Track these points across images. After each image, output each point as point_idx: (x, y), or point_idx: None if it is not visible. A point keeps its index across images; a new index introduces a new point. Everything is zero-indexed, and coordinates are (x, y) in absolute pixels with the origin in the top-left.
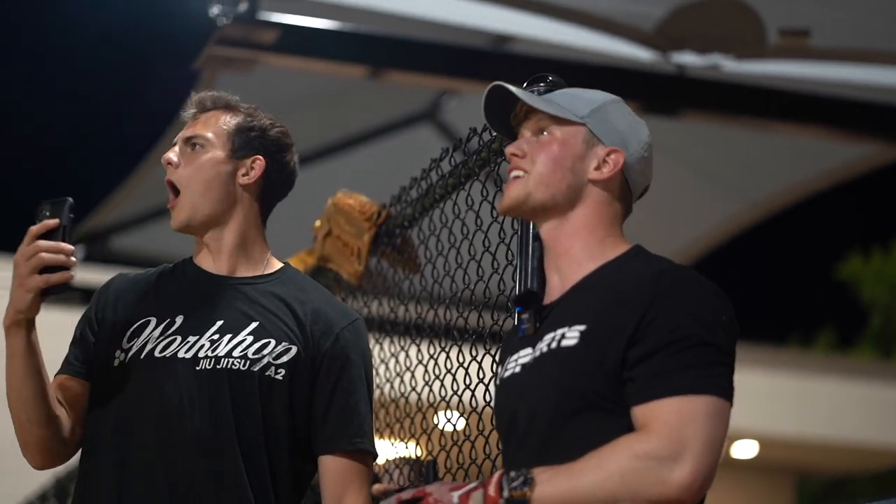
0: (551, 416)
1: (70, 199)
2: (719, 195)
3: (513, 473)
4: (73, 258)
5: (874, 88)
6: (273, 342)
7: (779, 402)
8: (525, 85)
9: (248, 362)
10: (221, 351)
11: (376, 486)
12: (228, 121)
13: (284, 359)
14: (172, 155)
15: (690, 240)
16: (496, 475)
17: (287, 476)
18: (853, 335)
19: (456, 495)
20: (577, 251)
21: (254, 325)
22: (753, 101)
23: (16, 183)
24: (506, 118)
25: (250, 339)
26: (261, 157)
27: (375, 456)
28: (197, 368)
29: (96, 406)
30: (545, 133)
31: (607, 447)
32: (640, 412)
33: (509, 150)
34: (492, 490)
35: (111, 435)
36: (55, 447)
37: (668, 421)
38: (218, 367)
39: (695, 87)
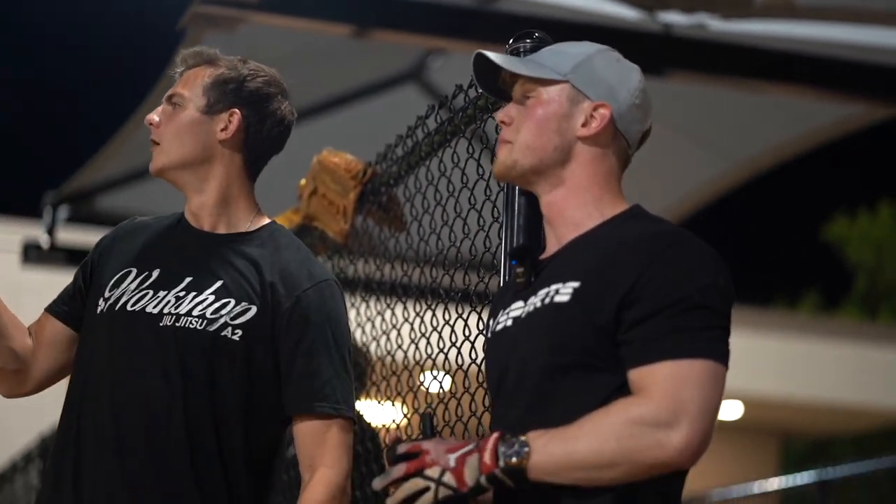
0: (541, 372)
1: None
2: (705, 155)
3: (508, 440)
4: None
5: (860, 48)
6: (233, 302)
7: (763, 364)
8: (511, 42)
9: (205, 322)
10: (183, 309)
11: (391, 435)
12: (207, 74)
13: (241, 319)
14: (154, 115)
15: (676, 200)
16: (491, 440)
17: (238, 436)
18: (838, 296)
19: (453, 458)
20: (572, 212)
21: (218, 283)
22: (740, 60)
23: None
24: (496, 82)
25: (212, 298)
26: (237, 109)
27: (347, 418)
28: (160, 325)
29: (78, 353)
30: (530, 97)
31: (602, 411)
32: (635, 376)
33: (498, 117)
34: (487, 457)
35: (79, 386)
36: (10, 380)
37: (663, 385)
38: (177, 324)
39: (681, 46)
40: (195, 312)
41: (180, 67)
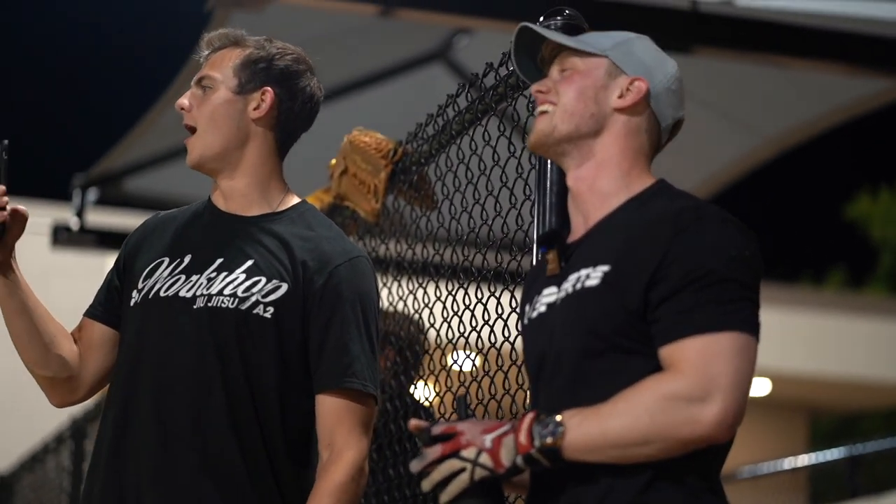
0: (577, 358)
1: (5, 141)
2: (733, 132)
3: (543, 420)
4: (4, 198)
5: (888, 23)
6: (264, 280)
7: (791, 341)
8: (542, 19)
9: (237, 300)
10: (214, 289)
11: (412, 422)
12: (236, 55)
13: (273, 296)
14: (185, 100)
15: (704, 177)
16: (527, 420)
17: (276, 412)
18: (864, 273)
19: (489, 439)
20: (602, 184)
21: (249, 262)
22: (766, 36)
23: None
24: (530, 65)
25: (243, 276)
26: (269, 87)
27: (372, 396)
28: (194, 307)
29: (120, 346)
30: (567, 70)
31: (634, 388)
32: (665, 352)
33: (534, 87)
34: (523, 438)
35: (121, 375)
36: (62, 388)
37: (693, 360)
38: (210, 304)
39: (708, 22)
40: (226, 291)
41: (206, 50)
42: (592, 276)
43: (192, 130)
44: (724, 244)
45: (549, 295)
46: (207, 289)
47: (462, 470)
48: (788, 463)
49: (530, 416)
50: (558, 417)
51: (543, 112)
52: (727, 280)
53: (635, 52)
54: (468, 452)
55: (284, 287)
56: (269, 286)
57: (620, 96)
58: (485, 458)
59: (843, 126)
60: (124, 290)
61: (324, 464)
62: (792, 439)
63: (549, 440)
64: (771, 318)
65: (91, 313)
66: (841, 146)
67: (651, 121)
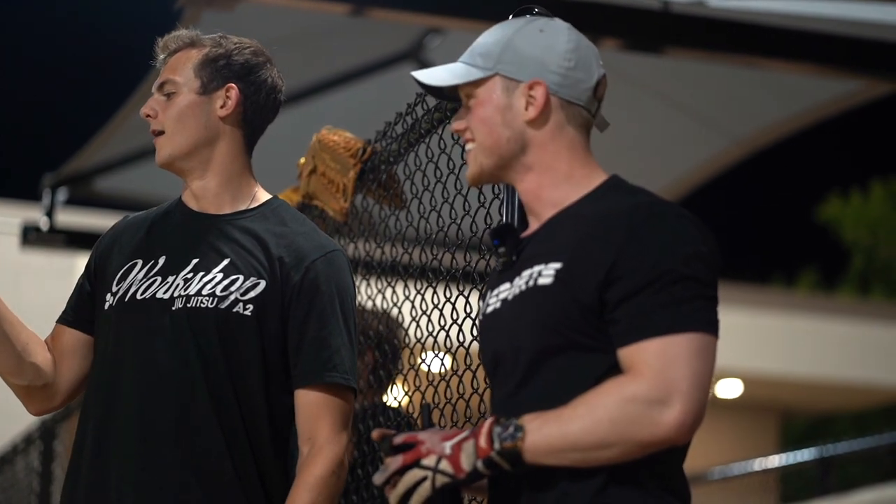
0: (533, 355)
1: None
2: (703, 133)
3: (503, 423)
4: None
5: (860, 24)
6: (241, 278)
7: (763, 342)
8: (510, 18)
9: (216, 300)
10: (192, 290)
11: (375, 432)
12: (194, 57)
13: (252, 294)
14: (148, 109)
15: (675, 178)
16: (486, 425)
17: (260, 409)
18: (835, 275)
19: (448, 445)
20: (547, 194)
21: (225, 261)
22: (738, 36)
23: None
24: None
25: (220, 276)
26: (233, 83)
27: (352, 389)
28: (173, 308)
29: (95, 351)
30: (472, 99)
31: (594, 392)
32: (625, 355)
33: (452, 127)
34: (483, 441)
35: (98, 379)
36: (38, 396)
37: (652, 363)
38: (189, 305)
39: (679, 22)
40: (205, 291)
41: (162, 54)
42: (545, 273)
43: (160, 134)
44: (679, 241)
45: (503, 291)
46: (185, 289)
47: (423, 479)
48: (759, 464)
49: (490, 420)
50: (518, 421)
51: (469, 150)
52: (684, 279)
53: (521, 51)
54: (428, 460)
55: (262, 284)
56: (248, 284)
57: (526, 108)
58: (445, 465)
59: (815, 127)
60: (97, 295)
61: (304, 458)
62: (763, 440)
63: (508, 443)
64: (742, 319)
65: (64, 319)
66: (813, 147)
67: (568, 109)
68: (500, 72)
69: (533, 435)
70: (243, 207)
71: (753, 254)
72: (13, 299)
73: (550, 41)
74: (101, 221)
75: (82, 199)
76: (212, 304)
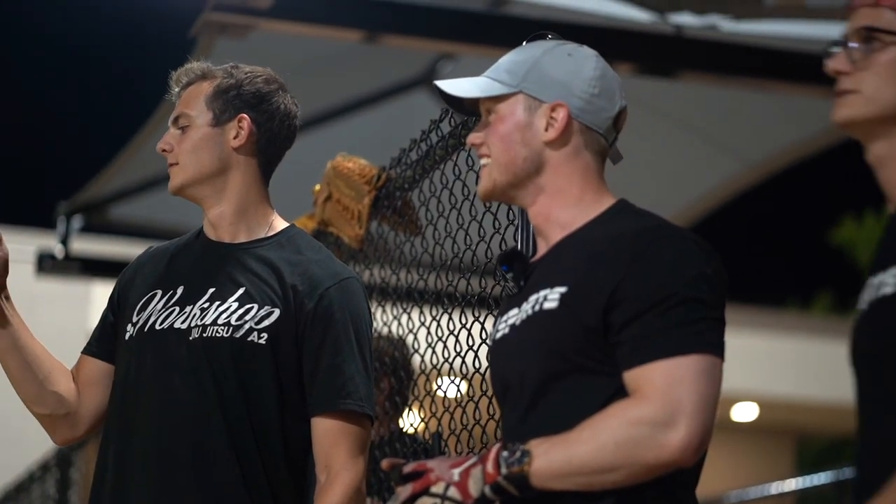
0: (539, 380)
1: None
2: (717, 156)
3: (509, 448)
4: None
5: None
6: (256, 307)
7: (778, 365)
8: (525, 43)
9: (231, 329)
10: (208, 319)
11: (384, 462)
12: (206, 89)
13: (266, 322)
14: (164, 144)
15: (689, 202)
16: (494, 450)
17: (275, 437)
18: (850, 298)
19: (456, 472)
20: (557, 215)
21: (240, 290)
22: (751, 60)
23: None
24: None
25: (235, 305)
26: (245, 114)
27: (369, 416)
28: (190, 338)
29: (115, 379)
30: (492, 114)
31: (601, 415)
32: (630, 377)
33: (469, 140)
34: (490, 467)
35: (118, 408)
36: (62, 425)
37: (658, 385)
38: (205, 335)
39: (692, 47)
40: (220, 321)
41: (176, 88)
42: (550, 297)
43: (175, 165)
44: (684, 263)
45: (512, 316)
46: (202, 319)
47: None
48: (776, 488)
49: (497, 445)
50: (525, 446)
51: (484, 165)
52: (689, 300)
53: (547, 72)
54: (437, 488)
55: (277, 312)
56: (262, 312)
57: (546, 129)
58: (453, 492)
59: (829, 150)
60: (119, 325)
61: (321, 486)
62: (779, 464)
63: (515, 468)
64: (757, 342)
65: (88, 350)
66: (826, 171)
67: (587, 134)
68: (523, 90)
69: (539, 460)
70: (260, 236)
71: (768, 277)
72: (29, 326)
73: (577, 66)
74: (116, 249)
75: (97, 226)
76: (227, 333)
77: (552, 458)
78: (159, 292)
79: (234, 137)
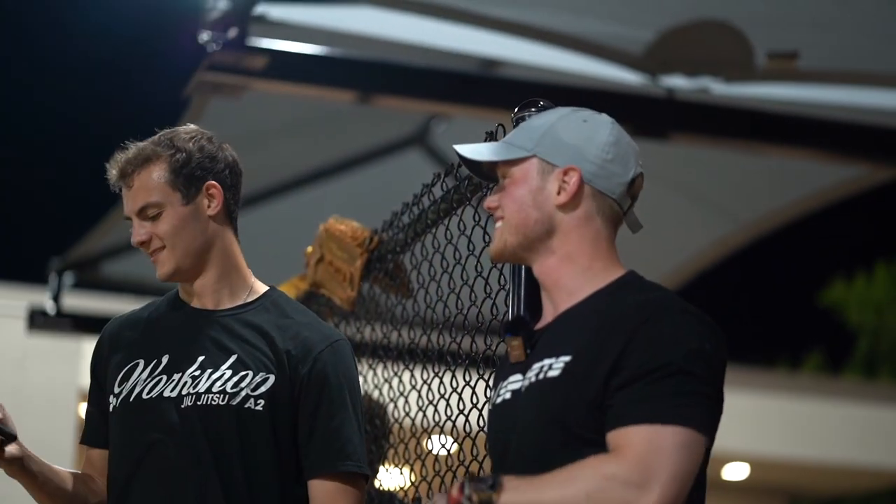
0: (538, 448)
1: None
2: (708, 217)
3: (481, 478)
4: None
5: (862, 110)
6: (251, 374)
7: (769, 424)
8: (516, 111)
9: (227, 397)
10: (202, 387)
11: None
12: (159, 172)
13: (262, 389)
14: (140, 237)
15: (680, 263)
16: (461, 480)
17: (274, 502)
18: (841, 358)
19: None
20: (565, 281)
21: (232, 358)
22: (742, 123)
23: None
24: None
25: (229, 373)
26: (209, 181)
27: (365, 476)
28: (182, 406)
29: (109, 454)
30: (507, 178)
31: (577, 464)
32: (612, 436)
33: (486, 204)
34: (454, 491)
35: (113, 480)
36: None
37: (636, 447)
38: (199, 403)
39: (684, 109)
40: (215, 389)
41: (122, 182)
42: (555, 366)
43: (159, 250)
44: (683, 337)
45: (515, 382)
46: (194, 387)
47: None
48: None
49: (465, 478)
50: (498, 478)
51: (498, 227)
52: (683, 373)
53: (561, 137)
54: None
55: (272, 378)
56: (258, 379)
57: (559, 192)
58: None
59: (820, 211)
60: (104, 403)
61: None
62: None
63: (483, 493)
64: (748, 402)
65: (87, 441)
66: (817, 231)
67: (599, 200)
68: (538, 154)
69: (509, 492)
70: (242, 300)
71: (758, 337)
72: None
73: (592, 132)
74: (107, 305)
75: (89, 283)
76: (223, 401)
77: (522, 492)
78: (141, 362)
79: (209, 207)
